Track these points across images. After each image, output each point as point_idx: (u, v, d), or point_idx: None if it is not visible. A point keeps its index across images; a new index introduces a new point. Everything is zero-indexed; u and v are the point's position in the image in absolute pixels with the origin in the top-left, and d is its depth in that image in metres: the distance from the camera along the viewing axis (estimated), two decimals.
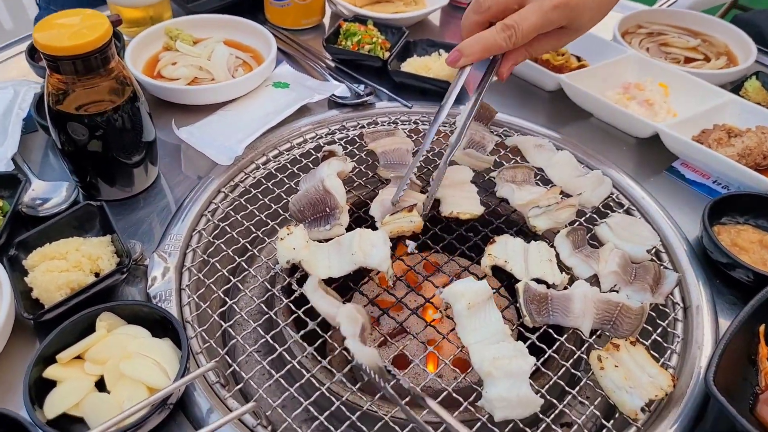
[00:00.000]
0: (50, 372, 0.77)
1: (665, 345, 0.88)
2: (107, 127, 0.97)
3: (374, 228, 0.93)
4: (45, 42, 0.87)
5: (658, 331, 0.89)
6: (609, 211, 1.05)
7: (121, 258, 0.91)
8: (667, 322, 0.91)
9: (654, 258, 0.97)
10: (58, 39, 0.88)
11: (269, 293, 0.91)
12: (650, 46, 1.44)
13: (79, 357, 0.80)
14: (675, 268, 0.99)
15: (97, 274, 0.88)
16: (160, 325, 0.82)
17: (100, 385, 0.78)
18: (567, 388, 0.82)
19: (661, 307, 0.92)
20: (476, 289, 0.85)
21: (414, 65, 1.31)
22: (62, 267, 0.87)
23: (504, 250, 0.92)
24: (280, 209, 1.02)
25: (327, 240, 0.94)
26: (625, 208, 1.08)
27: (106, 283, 0.87)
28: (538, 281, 0.89)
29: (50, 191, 1.03)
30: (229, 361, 0.84)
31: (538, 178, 1.08)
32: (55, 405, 0.75)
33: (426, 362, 0.95)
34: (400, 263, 0.97)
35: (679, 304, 0.94)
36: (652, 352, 0.85)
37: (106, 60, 0.92)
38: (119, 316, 0.83)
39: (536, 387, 0.78)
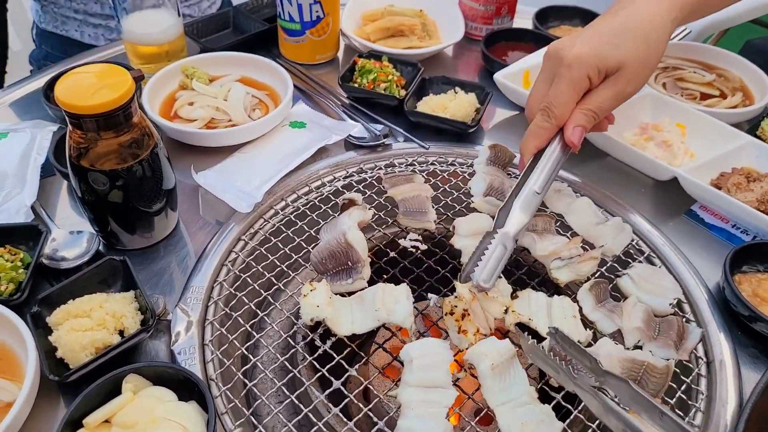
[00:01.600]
0: None
1: (690, 403, 0.88)
2: (128, 177, 0.97)
3: (395, 281, 0.93)
4: (68, 100, 0.87)
5: (683, 388, 0.88)
6: (630, 260, 1.05)
7: (144, 315, 0.91)
8: (690, 378, 0.90)
9: (676, 309, 0.97)
10: (80, 97, 0.87)
11: (293, 350, 0.91)
12: (667, 81, 1.44)
13: (107, 421, 0.80)
14: (697, 319, 0.99)
15: (121, 332, 0.89)
16: (185, 385, 0.82)
17: None
18: None
19: (684, 362, 0.92)
20: (499, 349, 0.85)
21: (430, 105, 1.30)
22: (87, 325, 0.87)
23: (527, 307, 0.92)
24: (300, 259, 1.02)
25: (349, 293, 0.94)
26: (645, 255, 1.07)
27: (131, 342, 0.87)
28: None
29: (71, 242, 1.03)
30: (254, 422, 0.84)
31: (558, 224, 1.08)
32: None
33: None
34: (422, 317, 0.97)
35: (702, 359, 0.94)
36: (677, 411, 0.85)
37: (129, 116, 0.92)
38: (145, 377, 0.83)
39: None
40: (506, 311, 0.92)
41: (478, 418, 0.85)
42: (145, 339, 0.91)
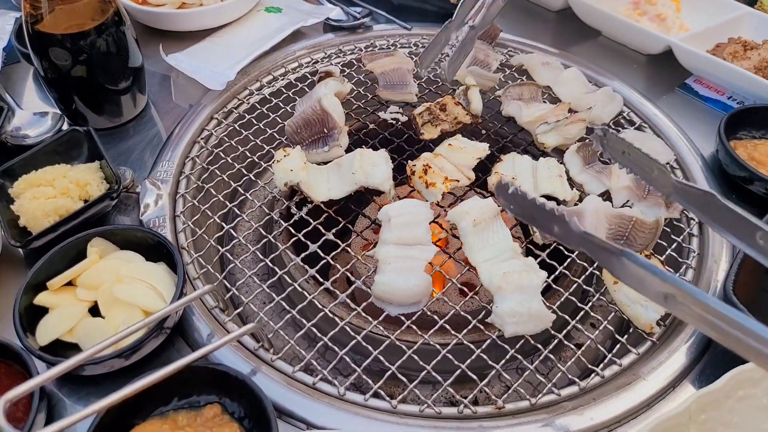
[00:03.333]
0: (41, 299, 0.74)
1: (680, 260, 0.85)
2: (91, 51, 0.92)
3: (376, 149, 0.89)
4: None
5: (673, 246, 0.85)
6: (620, 129, 1.01)
7: (110, 184, 0.86)
8: (682, 237, 0.87)
9: None
10: None
11: (268, 217, 0.87)
12: None
13: (70, 284, 0.77)
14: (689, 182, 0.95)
15: (86, 201, 0.85)
16: (155, 250, 0.79)
17: (95, 312, 0.75)
18: (579, 305, 0.79)
19: (675, 222, 0.89)
20: (481, 206, 0.81)
21: None
22: (49, 194, 0.83)
23: (512, 168, 0.88)
24: (276, 134, 0.97)
25: (326, 162, 0.90)
26: (636, 125, 1.03)
27: (96, 208, 0.83)
28: (548, 198, 0.85)
29: (35, 121, 0.99)
30: (228, 285, 0.81)
31: (545, 96, 1.03)
32: (47, 331, 0.72)
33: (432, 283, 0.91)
34: (405, 187, 0.93)
35: (694, 219, 0.90)
36: (667, 267, 0.82)
37: None
38: (112, 242, 0.79)
39: (548, 304, 0.75)
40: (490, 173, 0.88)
41: (460, 275, 0.81)
42: (110, 207, 0.87)
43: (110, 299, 0.74)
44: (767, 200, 0.90)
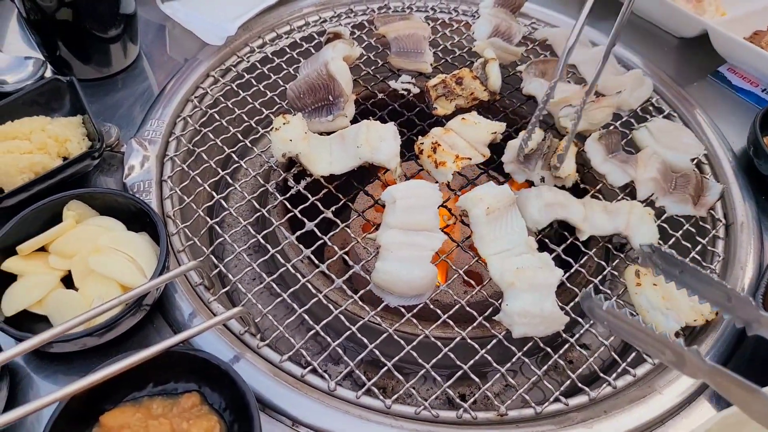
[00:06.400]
0: (9, 264, 0.67)
1: (704, 264, 0.79)
2: None
3: (384, 122, 0.82)
4: None
5: (697, 248, 0.79)
6: (648, 116, 0.93)
7: (93, 142, 0.79)
8: (707, 239, 0.81)
9: (695, 168, 0.86)
10: None
11: (262, 189, 0.80)
12: None
13: (43, 250, 0.70)
14: (718, 180, 0.88)
15: (65, 159, 0.77)
16: (137, 218, 0.72)
17: (68, 282, 0.69)
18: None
19: (701, 222, 0.82)
20: (496, 193, 0.74)
21: None
22: (25, 148, 0.76)
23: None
24: (276, 97, 0.90)
25: (329, 133, 0.82)
26: (665, 113, 0.96)
27: (75, 168, 0.76)
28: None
29: (15, 66, 0.91)
30: (215, 261, 0.74)
31: (570, 75, 0.96)
32: (14, 301, 0.66)
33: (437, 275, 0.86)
34: (412, 163, 0.86)
35: (721, 221, 0.84)
36: None
37: None
38: (90, 206, 0.72)
39: (560, 304, 0.69)
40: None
41: (468, 266, 0.75)
42: (91, 167, 0.80)
43: (85, 270, 0.68)
44: None
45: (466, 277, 0.73)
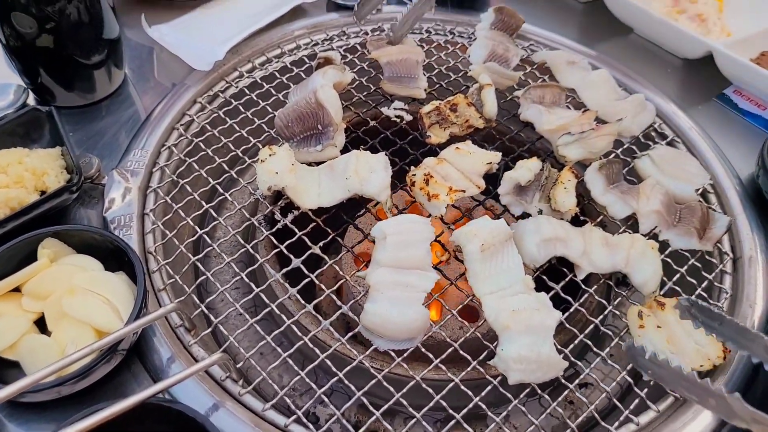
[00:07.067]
0: None
1: (710, 302, 0.75)
2: (59, 19, 0.81)
3: (374, 153, 0.78)
4: None
5: (704, 284, 0.75)
6: (650, 143, 0.90)
7: (71, 175, 0.76)
8: (713, 274, 0.77)
9: (700, 198, 0.83)
10: None
11: (248, 223, 0.77)
12: None
13: (17, 290, 0.67)
14: (724, 211, 0.85)
15: (43, 193, 0.75)
16: (115, 256, 0.69)
17: (41, 325, 0.66)
18: (595, 349, 0.69)
19: (707, 257, 0.79)
20: (492, 228, 0.71)
21: None
22: (1, 182, 0.73)
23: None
24: (264, 125, 0.87)
25: (318, 163, 0.79)
26: (668, 139, 0.92)
27: (52, 203, 0.73)
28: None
29: None
30: (196, 300, 0.71)
31: (569, 100, 0.92)
32: None
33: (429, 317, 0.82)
34: (404, 194, 0.83)
35: (728, 254, 0.80)
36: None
37: None
38: (67, 244, 0.69)
39: (558, 346, 0.65)
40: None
41: (461, 305, 0.71)
42: (70, 202, 0.77)
43: (59, 313, 0.65)
44: None
45: (459, 318, 0.69)
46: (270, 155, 0.75)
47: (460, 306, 0.71)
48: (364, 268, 0.72)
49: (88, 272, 0.67)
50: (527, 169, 0.77)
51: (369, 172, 0.75)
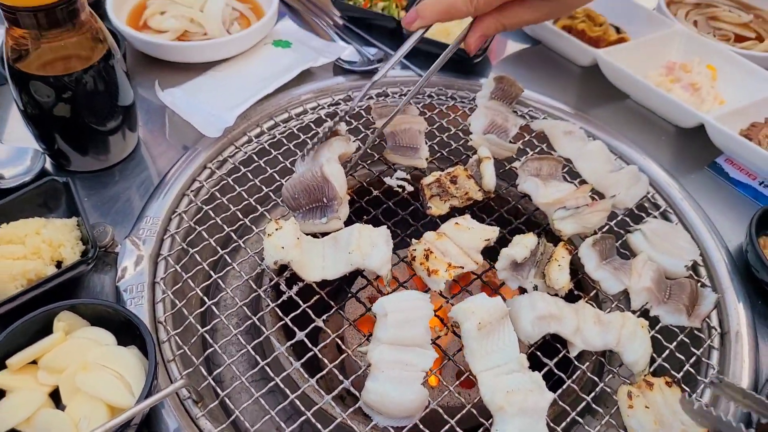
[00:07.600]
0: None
1: (699, 378, 0.78)
2: (76, 89, 0.85)
3: (376, 224, 0.82)
4: None
5: (691, 360, 0.78)
6: (643, 214, 0.93)
7: (86, 245, 0.79)
8: (701, 350, 0.80)
9: (691, 271, 0.86)
10: None
11: (254, 294, 0.80)
12: (698, 19, 1.29)
13: (33, 362, 0.70)
14: (714, 285, 0.88)
15: (59, 263, 0.78)
16: (128, 328, 0.72)
17: (56, 396, 0.69)
18: (587, 428, 0.72)
19: (696, 332, 0.82)
20: (489, 307, 0.74)
21: (432, 29, 1.15)
22: (19, 253, 0.76)
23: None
24: (271, 192, 0.90)
25: (322, 234, 0.83)
26: (661, 210, 0.96)
27: (68, 275, 0.76)
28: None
29: (13, 158, 0.91)
30: (204, 372, 0.74)
31: (565, 170, 0.96)
32: (2, 419, 0.65)
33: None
34: (405, 266, 0.86)
35: (716, 329, 0.83)
36: (683, 386, 0.75)
37: (74, 13, 0.79)
38: (81, 316, 0.73)
39: (552, 424, 0.68)
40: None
41: (458, 381, 0.74)
42: (85, 272, 0.80)
43: (73, 387, 0.67)
44: None
45: (456, 394, 0.72)
46: (276, 229, 0.78)
47: (457, 383, 0.74)
48: (366, 342, 0.75)
49: (101, 347, 0.70)
50: (523, 246, 0.80)
51: (371, 247, 0.78)
